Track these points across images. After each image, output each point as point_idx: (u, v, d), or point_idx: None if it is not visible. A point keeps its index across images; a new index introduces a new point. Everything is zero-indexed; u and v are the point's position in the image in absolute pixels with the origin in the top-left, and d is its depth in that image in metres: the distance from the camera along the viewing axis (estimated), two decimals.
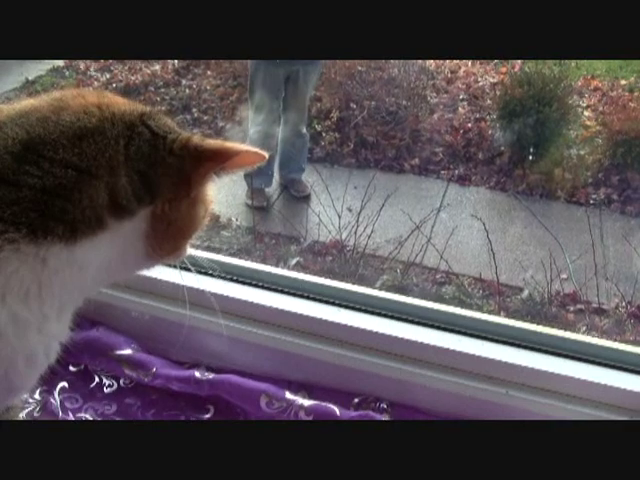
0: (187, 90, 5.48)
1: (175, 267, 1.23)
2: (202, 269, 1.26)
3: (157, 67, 5.66)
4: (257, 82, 4.44)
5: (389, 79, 5.11)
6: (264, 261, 4.02)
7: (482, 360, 1.19)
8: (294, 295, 1.35)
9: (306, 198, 4.58)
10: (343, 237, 4.10)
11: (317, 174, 4.75)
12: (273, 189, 4.67)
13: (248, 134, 4.62)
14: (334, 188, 4.39)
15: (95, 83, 5.62)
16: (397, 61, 5.03)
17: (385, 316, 1.29)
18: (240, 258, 3.91)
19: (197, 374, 1.25)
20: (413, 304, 1.30)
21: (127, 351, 1.29)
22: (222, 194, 4.39)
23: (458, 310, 1.29)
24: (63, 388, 1.26)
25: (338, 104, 5.02)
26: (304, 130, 4.61)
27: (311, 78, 4.50)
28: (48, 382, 1.24)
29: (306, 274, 1.42)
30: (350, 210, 4.24)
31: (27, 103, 0.82)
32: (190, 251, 0.94)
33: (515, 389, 1.17)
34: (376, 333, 1.26)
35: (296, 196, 4.60)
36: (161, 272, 1.27)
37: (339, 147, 4.86)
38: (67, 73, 5.72)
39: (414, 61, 5.06)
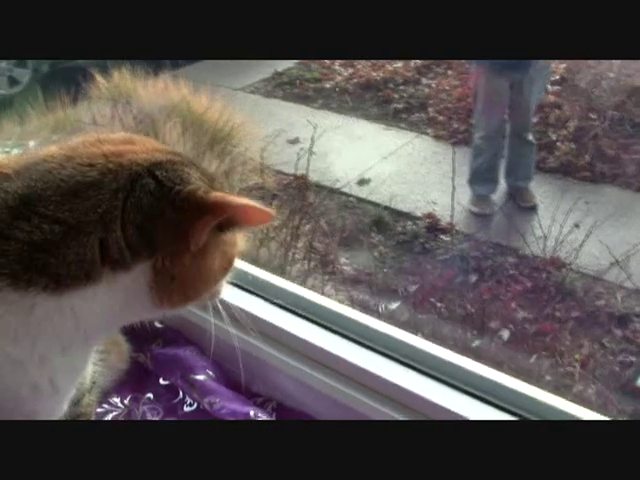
0: (426, 89, 5.46)
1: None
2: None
3: (399, 64, 5.70)
4: (481, 89, 4.34)
5: None
6: (478, 271, 3.92)
7: None
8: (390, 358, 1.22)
9: (532, 209, 4.39)
10: (564, 255, 3.88)
11: (547, 185, 4.54)
12: (498, 197, 4.53)
13: (473, 141, 4.54)
14: (564, 201, 4.16)
15: (338, 77, 5.77)
16: None
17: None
18: (454, 265, 3.92)
19: (259, 414, 1.22)
20: None
21: (201, 377, 1.29)
22: (446, 198, 4.34)
23: None
24: (149, 399, 1.30)
25: (578, 112, 4.75)
26: (530, 137, 4.43)
27: (537, 86, 4.30)
28: (139, 390, 1.29)
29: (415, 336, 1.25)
30: (577, 226, 4.00)
31: (47, 151, 0.83)
32: (224, 292, 0.94)
33: None
34: None
35: (522, 206, 4.43)
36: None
37: (574, 158, 4.60)
38: (313, 66, 5.92)
39: None
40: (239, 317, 1.27)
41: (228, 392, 1.27)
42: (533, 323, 3.54)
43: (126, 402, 1.27)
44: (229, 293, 1.29)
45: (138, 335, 1.27)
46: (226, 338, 1.22)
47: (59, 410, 0.90)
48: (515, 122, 4.41)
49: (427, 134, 5.15)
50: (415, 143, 5.11)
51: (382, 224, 4.44)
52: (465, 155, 4.66)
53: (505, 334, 3.18)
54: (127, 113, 4.38)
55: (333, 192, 4.67)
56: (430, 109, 5.28)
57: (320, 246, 4.04)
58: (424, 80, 5.54)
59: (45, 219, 0.77)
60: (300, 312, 1.28)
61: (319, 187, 4.65)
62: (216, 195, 0.81)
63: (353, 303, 3.34)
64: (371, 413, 1.14)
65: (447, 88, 5.40)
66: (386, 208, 4.52)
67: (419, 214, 4.45)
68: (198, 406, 1.26)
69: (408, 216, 4.48)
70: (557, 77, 5.12)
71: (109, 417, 1.24)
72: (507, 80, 4.19)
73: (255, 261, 3.42)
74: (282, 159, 4.41)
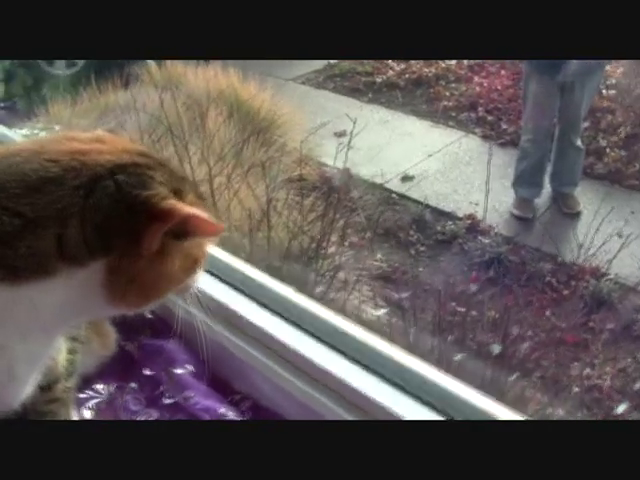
0: (477, 88, 5.40)
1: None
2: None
3: (453, 61, 5.64)
4: (530, 90, 4.26)
5: None
6: (512, 276, 3.87)
7: None
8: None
9: (575, 215, 4.32)
10: (603, 264, 3.80)
11: (593, 191, 4.46)
12: (542, 202, 4.47)
13: (519, 143, 4.47)
14: (609, 209, 4.07)
15: (390, 72, 5.74)
16: None
17: None
18: (488, 268, 3.87)
19: (229, 412, 1.21)
20: None
21: (180, 370, 1.28)
22: (489, 200, 4.30)
23: None
24: (133, 388, 1.29)
25: (632, 119, 4.64)
26: (578, 142, 4.34)
27: (588, 89, 4.20)
28: (124, 379, 1.30)
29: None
30: (620, 236, 3.92)
31: (21, 145, 0.86)
32: (197, 283, 0.94)
33: None
34: None
35: (565, 212, 4.36)
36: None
37: (623, 166, 4.50)
38: (365, 60, 5.90)
39: None
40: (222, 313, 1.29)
41: (205, 388, 1.26)
42: (564, 332, 3.49)
43: (110, 390, 1.29)
44: (213, 286, 1.32)
45: (129, 324, 1.29)
46: (210, 334, 1.24)
47: (18, 396, 0.92)
48: (564, 126, 4.33)
49: (475, 134, 5.10)
50: (462, 142, 5.06)
51: (422, 222, 4.42)
52: (513, 157, 4.61)
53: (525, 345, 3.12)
54: (175, 99, 4.43)
55: (375, 187, 4.66)
56: (480, 108, 5.22)
57: (356, 241, 4.04)
58: (476, 79, 5.47)
59: (6, 211, 0.79)
60: (285, 315, 1.27)
61: (361, 181, 4.65)
62: (168, 203, 0.82)
63: (375, 299, 3.32)
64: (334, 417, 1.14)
65: (499, 88, 5.33)
66: (427, 206, 4.50)
67: (460, 214, 4.42)
68: (176, 400, 1.27)
69: (449, 216, 4.45)
70: (613, 81, 5.02)
71: (91, 404, 1.25)
72: (557, 82, 4.11)
73: (287, 253, 3.45)
74: (328, 151, 4.41)
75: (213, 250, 1.34)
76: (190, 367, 1.29)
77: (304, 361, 1.19)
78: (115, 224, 0.81)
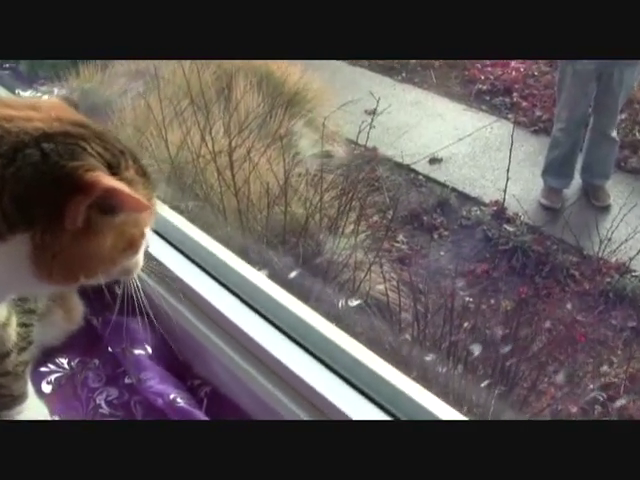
0: (513, 72, 5.28)
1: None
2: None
3: None
4: (566, 78, 4.13)
5: None
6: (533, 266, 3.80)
7: None
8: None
9: (605, 209, 4.21)
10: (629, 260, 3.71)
11: (625, 185, 4.34)
12: (572, 192, 4.36)
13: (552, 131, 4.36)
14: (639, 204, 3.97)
15: None
16: None
17: None
18: (511, 257, 3.79)
19: (178, 399, 1.17)
20: None
21: (138, 351, 1.25)
22: (516, 187, 4.22)
23: None
24: (95, 364, 1.27)
25: None
26: (613, 134, 4.21)
27: (627, 79, 4.05)
28: (87, 355, 1.28)
29: None
30: None
31: None
32: (140, 263, 0.89)
33: None
34: None
35: (595, 205, 4.25)
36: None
37: None
38: None
39: None
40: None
41: (162, 371, 1.23)
42: (585, 327, 3.42)
43: (73, 364, 1.26)
44: (182, 267, 1.28)
45: (97, 299, 1.26)
46: (176, 317, 1.21)
47: None
48: (599, 116, 4.20)
49: (507, 119, 4.99)
50: (494, 127, 4.96)
51: (447, 206, 4.36)
52: (545, 145, 4.51)
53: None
54: (205, 69, 4.40)
55: (402, 167, 4.59)
56: (515, 94, 5.11)
57: (378, 221, 3.98)
58: (513, 63, 5.35)
59: None
60: (252, 304, 1.22)
61: (389, 161, 4.59)
62: (92, 175, 0.76)
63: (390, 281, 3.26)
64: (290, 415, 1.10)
65: (536, 74, 5.21)
66: (453, 190, 4.42)
67: (486, 200, 4.34)
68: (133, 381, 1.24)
69: (475, 201, 4.38)
70: None
71: (52, 378, 1.23)
72: (595, 70, 3.99)
73: (304, 230, 3.40)
74: (357, 129, 4.34)
75: (186, 228, 1.31)
76: (150, 348, 1.25)
77: (265, 353, 1.15)
78: (37, 196, 0.75)
